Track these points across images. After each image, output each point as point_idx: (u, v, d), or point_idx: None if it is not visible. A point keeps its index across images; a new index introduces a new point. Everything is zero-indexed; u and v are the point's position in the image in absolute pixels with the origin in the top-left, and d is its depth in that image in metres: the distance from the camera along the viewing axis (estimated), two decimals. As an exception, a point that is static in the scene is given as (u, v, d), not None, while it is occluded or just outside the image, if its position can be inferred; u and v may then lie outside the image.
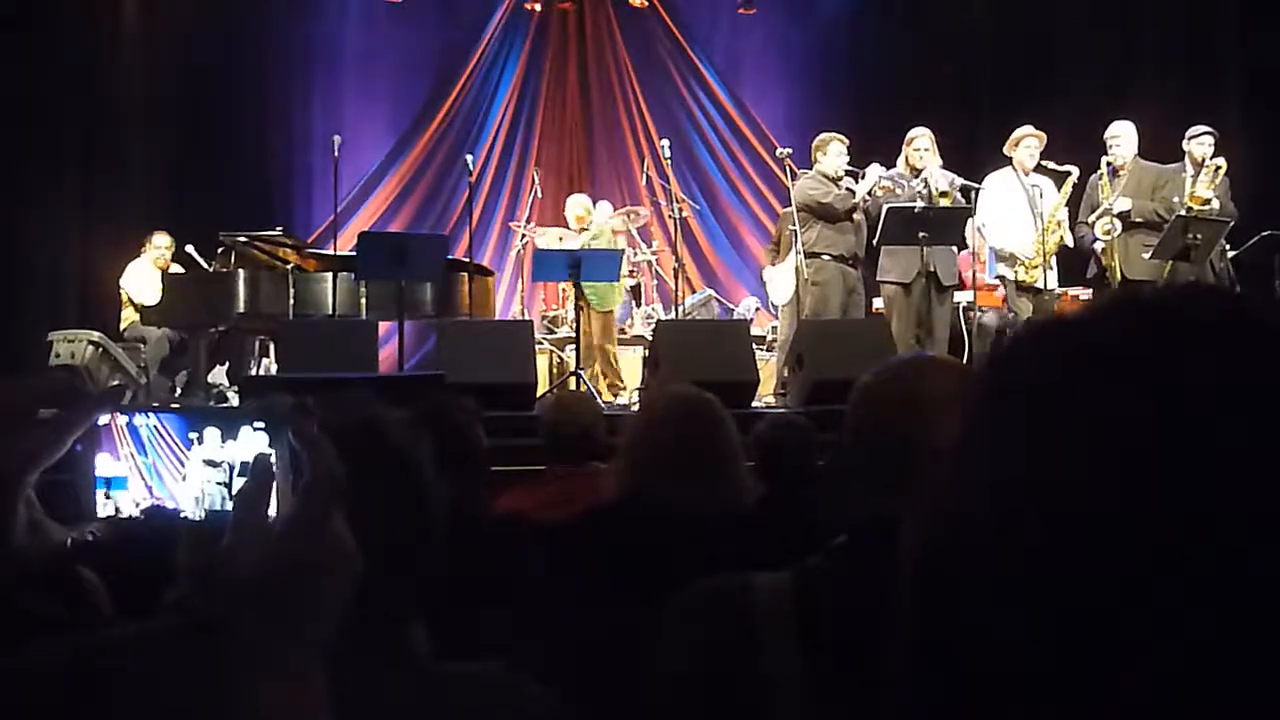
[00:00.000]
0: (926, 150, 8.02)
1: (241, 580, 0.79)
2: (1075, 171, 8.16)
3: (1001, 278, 8.31)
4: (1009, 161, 8.32)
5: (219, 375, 8.77)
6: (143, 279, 9.12)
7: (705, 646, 1.44)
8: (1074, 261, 8.55)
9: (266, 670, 0.76)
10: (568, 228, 9.80)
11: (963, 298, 8.45)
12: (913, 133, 8.12)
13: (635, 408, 7.37)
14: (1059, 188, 8.24)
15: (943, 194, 7.88)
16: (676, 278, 8.92)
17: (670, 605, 1.49)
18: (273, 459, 0.88)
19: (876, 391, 1.55)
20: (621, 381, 8.79)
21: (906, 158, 8.12)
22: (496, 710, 1.28)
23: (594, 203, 9.98)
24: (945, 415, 1.37)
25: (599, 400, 7.25)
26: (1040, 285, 8.11)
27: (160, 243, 9.26)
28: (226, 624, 0.78)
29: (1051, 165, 8.19)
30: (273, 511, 0.87)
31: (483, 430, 2.71)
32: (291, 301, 8.02)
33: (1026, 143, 8.21)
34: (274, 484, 0.87)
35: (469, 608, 1.74)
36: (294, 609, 0.79)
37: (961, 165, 8.24)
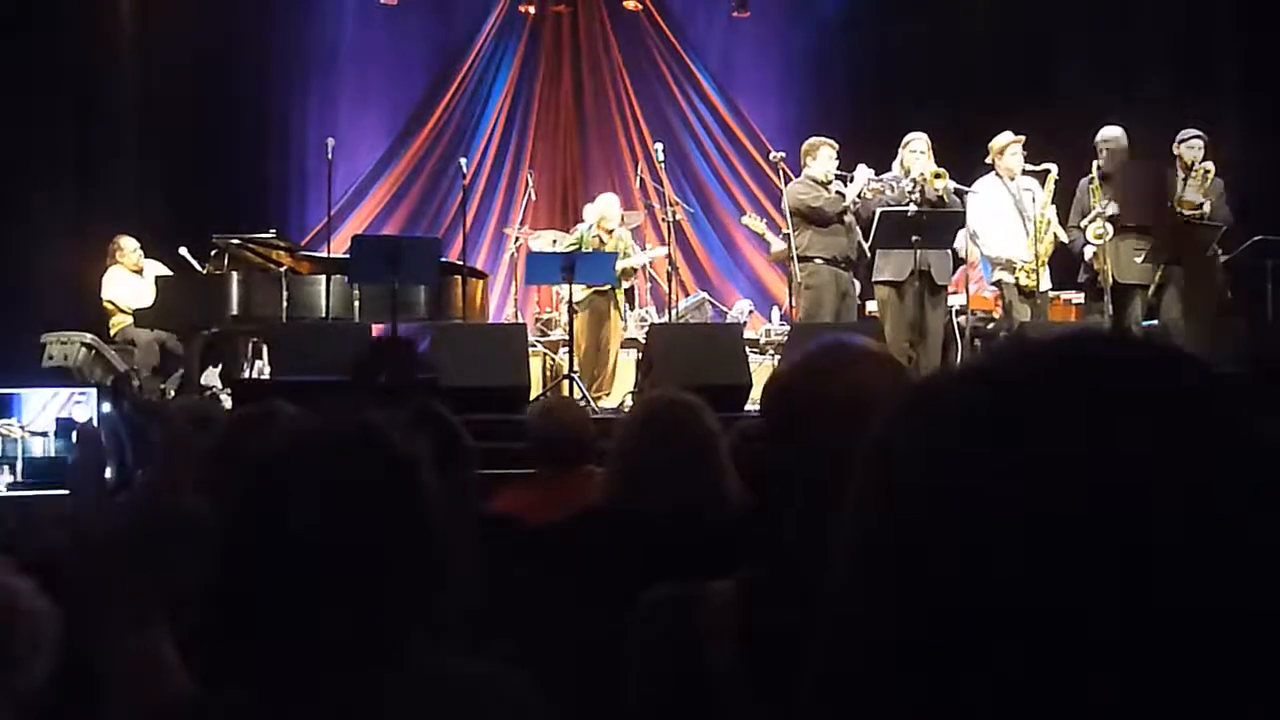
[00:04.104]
0: (921, 154, 8.03)
1: (96, 543, 0.83)
2: (1054, 169, 8.17)
3: (1000, 283, 8.31)
4: (991, 169, 8.33)
5: (212, 377, 8.77)
6: (125, 285, 9.13)
7: (656, 649, 1.45)
8: (1066, 266, 8.56)
9: (128, 623, 0.80)
10: (564, 230, 9.82)
11: (955, 301, 8.46)
12: (909, 136, 8.14)
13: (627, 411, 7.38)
14: (1043, 186, 8.25)
15: (936, 175, 7.88)
16: (670, 281, 8.93)
17: (631, 609, 1.50)
18: (99, 429, 0.92)
19: (789, 385, 1.44)
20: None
21: (901, 160, 8.14)
22: (492, 708, 1.29)
23: (593, 200, 9.94)
24: (868, 405, 1.34)
25: (588, 404, 7.26)
26: (1035, 288, 8.13)
27: (129, 246, 9.25)
28: (87, 584, 0.82)
29: (1028, 166, 8.21)
30: (107, 476, 0.92)
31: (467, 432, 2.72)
32: (285, 304, 8.03)
33: (1013, 149, 8.20)
34: (102, 451, 0.92)
35: (463, 609, 1.75)
36: (153, 567, 0.83)
37: (956, 167, 8.25)
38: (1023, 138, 8.24)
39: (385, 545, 1.21)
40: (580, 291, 8.67)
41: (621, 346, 9.50)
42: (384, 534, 1.21)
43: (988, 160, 8.32)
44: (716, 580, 1.45)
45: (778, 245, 9.26)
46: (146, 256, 9.32)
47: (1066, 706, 0.50)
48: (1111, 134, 8.24)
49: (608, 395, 8.73)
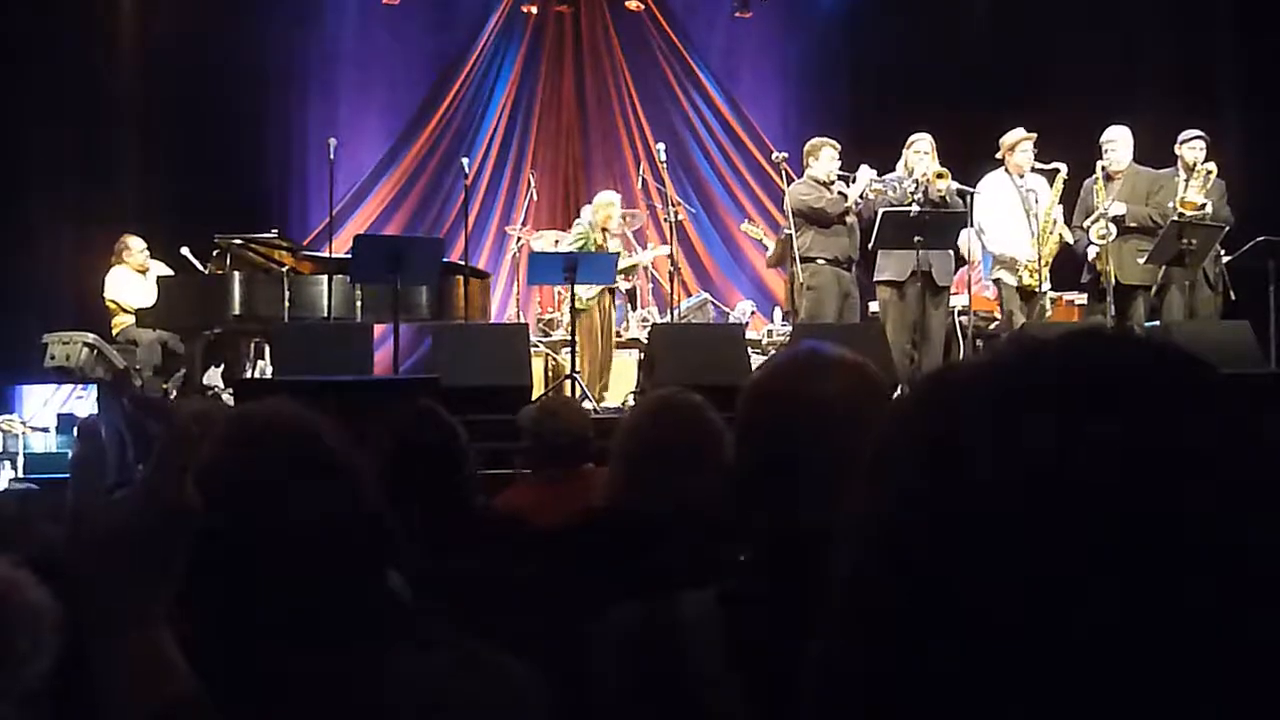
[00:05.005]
0: (926, 154, 8.04)
1: (97, 539, 0.82)
2: (1063, 168, 8.18)
3: (999, 281, 8.31)
4: (1000, 164, 8.34)
5: (214, 377, 8.78)
6: (129, 284, 9.13)
7: (634, 666, 1.44)
8: (1068, 266, 8.56)
9: (128, 623, 0.80)
10: (565, 230, 9.82)
11: (957, 302, 8.46)
12: (914, 137, 8.15)
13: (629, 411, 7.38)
14: (1050, 186, 8.26)
15: (939, 175, 7.88)
16: (672, 281, 8.92)
17: (601, 624, 1.50)
18: (100, 424, 0.91)
19: (764, 392, 1.45)
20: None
21: (905, 160, 8.15)
22: (491, 691, 1.28)
23: (590, 199, 9.94)
24: (840, 417, 1.35)
25: (586, 404, 7.26)
26: (1037, 289, 8.13)
27: (136, 246, 9.25)
28: (88, 581, 0.82)
29: (1038, 164, 8.22)
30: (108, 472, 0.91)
31: (464, 431, 2.72)
32: (287, 304, 8.03)
33: (1023, 146, 8.23)
34: (103, 446, 0.91)
35: (467, 608, 1.75)
36: (154, 564, 0.83)
37: (958, 167, 8.25)
38: (1034, 135, 8.25)
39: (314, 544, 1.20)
40: (590, 290, 8.68)
41: (623, 347, 9.51)
42: (317, 534, 1.21)
43: (997, 155, 8.32)
44: (691, 590, 1.45)
45: (773, 249, 9.29)
46: (150, 257, 9.33)
47: (1069, 705, 0.50)
48: (1116, 134, 8.24)
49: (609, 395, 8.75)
